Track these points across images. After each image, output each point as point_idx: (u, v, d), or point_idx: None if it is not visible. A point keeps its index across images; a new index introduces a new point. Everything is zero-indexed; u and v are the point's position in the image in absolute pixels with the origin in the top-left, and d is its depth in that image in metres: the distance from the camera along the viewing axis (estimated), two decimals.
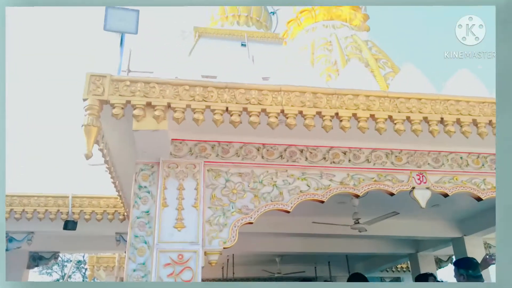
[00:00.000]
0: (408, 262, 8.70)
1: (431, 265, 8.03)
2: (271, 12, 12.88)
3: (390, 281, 11.15)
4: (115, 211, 5.62)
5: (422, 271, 7.63)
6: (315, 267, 10.20)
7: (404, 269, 10.50)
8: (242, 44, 10.99)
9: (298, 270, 9.96)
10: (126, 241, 6.07)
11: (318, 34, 6.36)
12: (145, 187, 3.14)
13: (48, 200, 5.50)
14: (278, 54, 7.46)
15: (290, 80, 3.27)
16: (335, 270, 10.08)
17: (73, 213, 5.54)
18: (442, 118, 3.02)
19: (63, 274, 24.78)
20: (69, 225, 5.54)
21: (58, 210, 5.51)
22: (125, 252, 7.37)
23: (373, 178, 3.38)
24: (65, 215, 5.51)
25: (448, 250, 7.16)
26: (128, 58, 6.94)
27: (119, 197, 4.94)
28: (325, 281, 10.58)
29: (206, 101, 2.82)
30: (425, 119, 3.01)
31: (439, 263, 9.04)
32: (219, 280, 10.34)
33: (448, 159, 3.57)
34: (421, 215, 5.70)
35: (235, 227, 3.05)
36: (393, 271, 10.74)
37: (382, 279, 11.22)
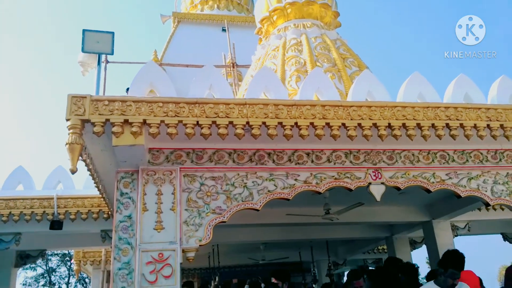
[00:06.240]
0: None
1: (405, 246, 8.44)
2: None
3: (372, 262, 11.71)
4: (100, 210, 5.80)
5: (397, 252, 8.06)
6: (299, 252, 10.63)
7: (386, 251, 10.98)
8: (222, 30, 10.79)
9: (282, 256, 10.38)
10: (111, 238, 6.30)
11: (289, 34, 6.61)
12: (127, 193, 3.44)
13: (33, 202, 5.63)
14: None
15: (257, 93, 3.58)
16: (317, 255, 10.56)
17: (59, 213, 5.68)
18: (389, 124, 3.39)
19: (47, 268, 24.84)
20: (55, 225, 5.69)
21: (44, 212, 5.65)
22: (111, 248, 7.58)
23: (333, 176, 3.76)
24: (51, 216, 5.65)
25: (422, 233, 7.44)
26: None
27: (102, 198, 5.19)
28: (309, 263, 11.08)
29: (178, 116, 3.13)
30: (374, 125, 3.37)
31: (414, 244, 9.54)
32: (206, 268, 10.77)
33: (401, 156, 3.96)
34: (391, 201, 6.08)
35: (209, 226, 3.40)
36: (374, 253, 11.16)
37: (364, 261, 11.78)
